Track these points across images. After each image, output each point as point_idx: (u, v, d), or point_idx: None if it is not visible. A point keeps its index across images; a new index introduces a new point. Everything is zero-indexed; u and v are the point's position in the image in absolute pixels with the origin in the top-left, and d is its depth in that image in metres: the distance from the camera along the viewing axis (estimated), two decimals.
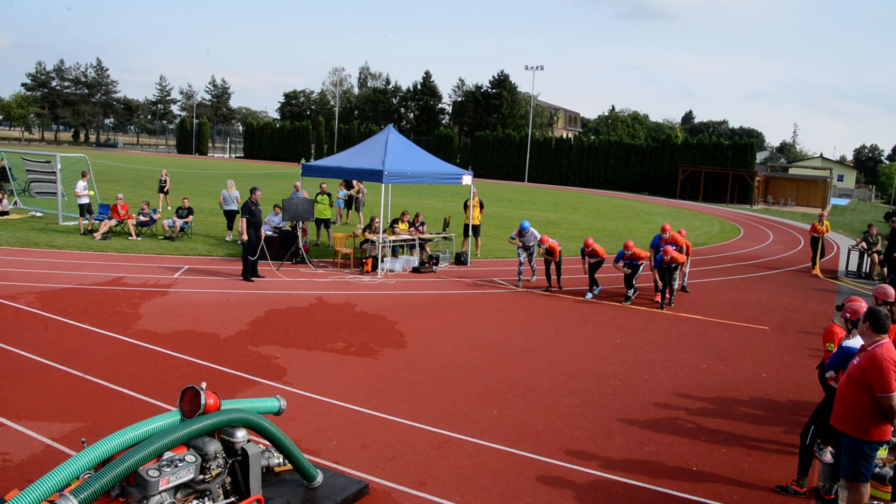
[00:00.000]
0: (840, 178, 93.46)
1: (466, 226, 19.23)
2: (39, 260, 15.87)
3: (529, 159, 74.95)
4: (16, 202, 24.43)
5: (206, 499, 5.10)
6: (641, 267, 15.01)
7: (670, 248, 14.20)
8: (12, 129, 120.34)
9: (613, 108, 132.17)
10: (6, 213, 22.25)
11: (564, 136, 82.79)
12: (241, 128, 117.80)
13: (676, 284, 15.11)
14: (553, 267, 15.91)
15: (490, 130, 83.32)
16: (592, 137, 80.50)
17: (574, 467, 6.89)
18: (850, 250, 23.12)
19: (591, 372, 9.92)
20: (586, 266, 15.30)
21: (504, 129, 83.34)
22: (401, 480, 6.47)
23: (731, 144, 67.02)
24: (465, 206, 19.38)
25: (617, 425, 8.03)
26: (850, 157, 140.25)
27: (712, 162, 64.46)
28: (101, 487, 4.61)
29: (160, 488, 4.77)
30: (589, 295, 15.14)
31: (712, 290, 16.98)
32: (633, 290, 14.95)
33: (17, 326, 10.64)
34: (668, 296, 14.63)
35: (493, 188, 56.26)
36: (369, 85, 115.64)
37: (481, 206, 19.83)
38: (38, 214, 23.17)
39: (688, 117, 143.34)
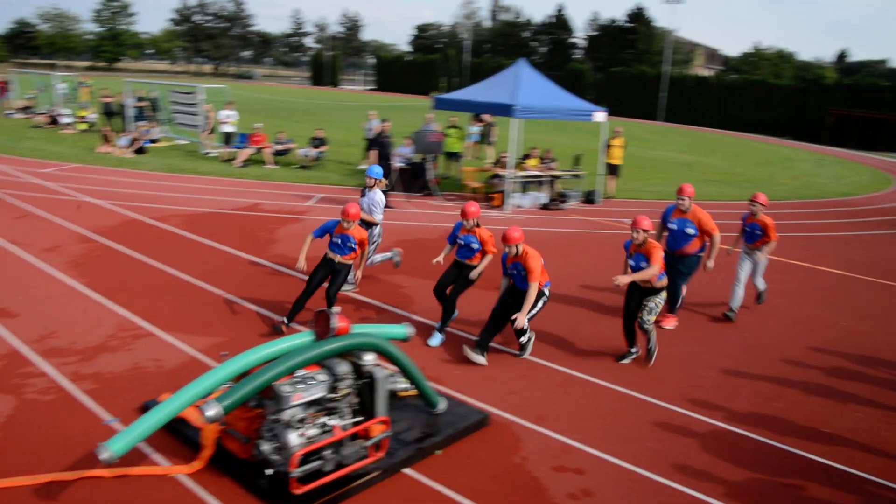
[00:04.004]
0: None
1: (609, 165, 18.64)
2: (185, 185, 16.79)
3: (665, 98, 72.11)
4: (165, 131, 25.75)
5: (334, 416, 5.33)
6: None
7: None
8: (160, 61, 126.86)
9: (757, 45, 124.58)
10: (156, 140, 23.52)
11: (703, 74, 79.05)
12: (372, 60, 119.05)
13: (684, 291, 9.47)
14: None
15: (624, 66, 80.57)
16: (733, 76, 76.37)
17: (696, 416, 6.77)
18: None
19: (719, 321, 9.62)
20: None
21: (639, 65, 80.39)
22: (521, 414, 6.56)
23: (891, 86, 61.77)
24: (608, 145, 18.65)
25: (744, 378, 7.80)
26: None
27: (866, 105, 59.59)
28: (242, 397, 4.91)
29: (292, 403, 5.02)
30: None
31: (857, 244, 15.93)
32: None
33: (167, 246, 11.38)
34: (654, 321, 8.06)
35: (626, 126, 54.51)
36: (500, 18, 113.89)
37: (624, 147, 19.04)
38: (184, 142, 24.38)
39: (842, 56, 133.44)
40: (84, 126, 26.99)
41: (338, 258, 8.16)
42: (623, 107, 71.86)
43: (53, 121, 27.52)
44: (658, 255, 7.52)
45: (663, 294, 7.83)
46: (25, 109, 31.08)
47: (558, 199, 17.24)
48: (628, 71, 77.15)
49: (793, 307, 10.56)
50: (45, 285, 9.33)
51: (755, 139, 55.68)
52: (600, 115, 17.38)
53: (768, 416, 6.90)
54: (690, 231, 8.86)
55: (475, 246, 8.18)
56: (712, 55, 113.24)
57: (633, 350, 8.06)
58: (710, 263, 9.11)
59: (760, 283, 10.03)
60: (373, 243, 9.81)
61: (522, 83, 16.67)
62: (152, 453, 5.54)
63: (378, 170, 9.69)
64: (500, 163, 17.71)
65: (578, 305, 9.91)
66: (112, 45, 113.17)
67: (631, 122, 56.70)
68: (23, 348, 7.36)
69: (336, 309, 5.51)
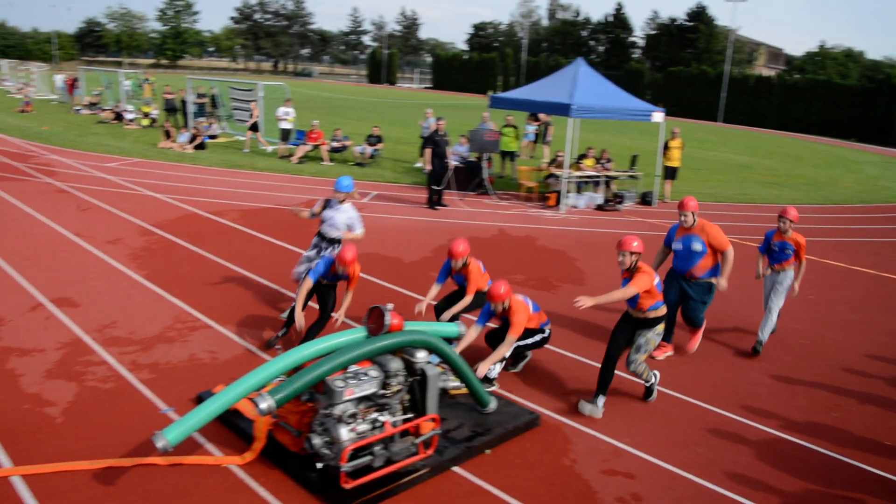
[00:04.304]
0: None
1: (666, 167, 18.28)
2: (242, 180, 17.09)
3: (725, 98, 70.75)
4: (224, 127, 26.23)
5: (385, 412, 5.36)
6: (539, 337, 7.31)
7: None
8: (221, 59, 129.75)
9: (823, 43, 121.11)
10: (215, 136, 23.97)
11: (765, 74, 77.27)
12: (429, 59, 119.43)
13: (702, 323, 8.27)
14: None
15: (683, 66, 79.24)
16: (797, 76, 74.44)
17: (750, 423, 6.63)
18: None
19: (776, 327, 9.37)
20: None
21: (699, 65, 78.97)
22: (572, 416, 6.52)
23: None
24: (666, 147, 18.28)
25: (801, 386, 7.60)
26: None
27: None
28: (294, 391, 4.98)
29: (344, 398, 5.07)
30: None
31: None
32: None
33: (224, 240, 11.60)
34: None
35: (684, 127, 53.60)
36: (558, 17, 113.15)
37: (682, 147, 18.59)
38: (242, 138, 24.78)
39: None
40: (147, 122, 27.68)
41: (324, 281, 7.53)
42: (682, 107, 70.66)
43: (118, 117, 28.29)
44: (641, 279, 6.46)
45: (658, 328, 6.67)
46: (92, 105, 32.03)
47: (614, 200, 17.06)
48: (688, 71, 75.76)
49: (854, 314, 10.25)
50: (107, 276, 9.59)
51: (818, 141, 54.18)
52: (658, 116, 17.14)
53: (826, 425, 6.71)
54: (697, 247, 7.74)
55: (464, 285, 7.73)
56: (775, 55, 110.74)
57: (598, 400, 6.64)
58: (724, 283, 7.87)
59: (775, 309, 8.54)
60: (306, 261, 8.46)
61: (580, 82, 16.56)
62: (206, 443, 5.66)
63: (349, 182, 8.35)
64: (555, 162, 17.62)
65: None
66: (175, 43, 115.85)
67: (689, 123, 55.85)
68: (84, 337, 7.58)
69: (389, 305, 5.53)
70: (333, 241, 8.31)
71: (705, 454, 6.00)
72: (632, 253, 6.58)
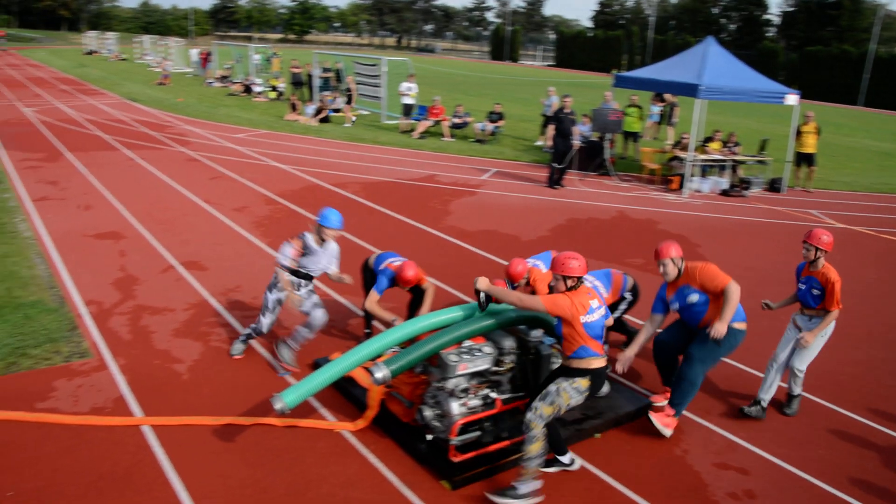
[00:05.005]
0: None
1: (799, 153, 17.30)
2: (364, 154, 17.42)
3: (868, 80, 66.39)
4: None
5: (496, 389, 5.36)
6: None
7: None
8: (346, 34, 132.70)
9: None
10: (339, 110, 24.47)
11: None
12: (553, 36, 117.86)
13: (694, 383, 5.95)
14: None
15: (823, 45, 74.80)
16: None
17: (878, 427, 6.25)
18: None
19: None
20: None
21: (840, 43, 74.34)
22: (688, 407, 6.29)
23: None
24: (799, 132, 17.25)
25: None
26: None
27: None
28: (408, 363, 5.04)
29: (458, 372, 5.09)
30: None
31: None
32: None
33: (345, 212, 11.72)
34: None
35: (820, 111, 50.78)
36: None
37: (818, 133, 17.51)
38: (365, 113, 25.20)
39: None
40: (274, 95, 28.59)
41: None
42: (818, 90, 66.55)
43: (247, 89, 29.36)
44: (557, 299, 4.86)
45: (578, 384, 4.89)
46: (223, 79, 33.37)
47: (740, 186, 16.37)
48: (827, 51, 71.40)
49: None
50: (233, 242, 10.00)
51: None
52: (792, 98, 16.24)
53: None
54: (694, 298, 5.97)
55: None
56: None
57: (564, 461, 5.23)
58: (721, 328, 5.71)
59: (799, 372, 6.32)
60: (271, 311, 6.69)
61: (709, 62, 15.89)
62: (320, 408, 5.82)
63: (338, 218, 6.56)
64: (680, 144, 17.05)
65: (755, 298, 9.35)
66: (302, 19, 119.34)
67: (826, 107, 52.83)
68: (210, 299, 7.94)
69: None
70: (311, 278, 6.75)
71: (827, 456, 5.70)
72: (567, 277, 4.90)
